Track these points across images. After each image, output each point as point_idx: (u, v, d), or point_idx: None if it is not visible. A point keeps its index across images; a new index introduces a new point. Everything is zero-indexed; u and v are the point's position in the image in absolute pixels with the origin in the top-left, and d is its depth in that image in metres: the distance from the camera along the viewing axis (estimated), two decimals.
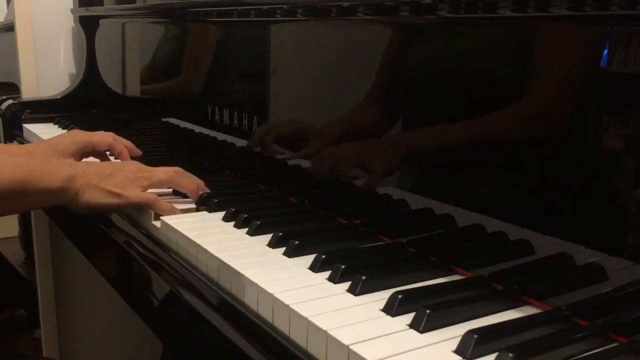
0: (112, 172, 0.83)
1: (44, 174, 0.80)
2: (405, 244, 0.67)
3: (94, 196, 0.81)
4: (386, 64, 0.76)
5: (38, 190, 0.79)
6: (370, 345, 0.46)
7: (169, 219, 0.75)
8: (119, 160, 1.02)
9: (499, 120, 0.63)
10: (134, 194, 0.81)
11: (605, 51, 0.52)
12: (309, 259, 0.62)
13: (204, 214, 0.79)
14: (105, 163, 1.00)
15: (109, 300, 1.61)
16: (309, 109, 0.90)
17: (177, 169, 0.86)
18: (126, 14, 1.48)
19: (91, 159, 1.04)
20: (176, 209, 0.80)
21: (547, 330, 0.49)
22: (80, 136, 1.02)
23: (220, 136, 1.07)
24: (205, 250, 0.65)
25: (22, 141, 1.45)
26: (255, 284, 0.56)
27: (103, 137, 1.02)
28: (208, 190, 0.86)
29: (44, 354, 1.75)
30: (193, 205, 0.83)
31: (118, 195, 0.81)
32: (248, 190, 0.93)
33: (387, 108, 0.77)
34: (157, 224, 0.77)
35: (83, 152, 1.01)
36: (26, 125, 1.50)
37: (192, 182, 0.85)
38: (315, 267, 0.60)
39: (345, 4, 0.77)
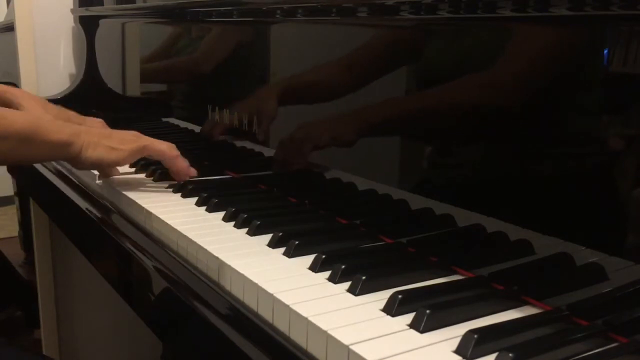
0: (112, 133, 0.91)
1: (52, 127, 0.87)
2: (405, 244, 0.67)
3: (96, 151, 0.88)
4: (384, 62, 0.76)
5: (46, 141, 0.86)
6: (370, 345, 0.46)
7: (169, 219, 0.75)
8: None
9: (499, 120, 0.63)
10: (129, 147, 0.89)
11: (605, 51, 0.52)
12: (309, 259, 0.62)
13: (204, 214, 0.79)
14: (106, 128, 1.06)
15: (109, 300, 1.61)
16: (309, 108, 0.89)
17: (171, 147, 0.91)
18: (126, 14, 1.48)
19: None
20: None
21: (547, 330, 0.49)
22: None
23: (220, 136, 1.07)
24: (205, 250, 0.65)
25: None
26: (255, 284, 0.56)
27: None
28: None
29: (44, 354, 1.75)
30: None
31: (117, 149, 0.88)
32: (248, 190, 0.93)
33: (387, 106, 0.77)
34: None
35: None
36: None
37: (184, 170, 0.91)
38: (315, 267, 0.60)
39: (346, 4, 0.77)
